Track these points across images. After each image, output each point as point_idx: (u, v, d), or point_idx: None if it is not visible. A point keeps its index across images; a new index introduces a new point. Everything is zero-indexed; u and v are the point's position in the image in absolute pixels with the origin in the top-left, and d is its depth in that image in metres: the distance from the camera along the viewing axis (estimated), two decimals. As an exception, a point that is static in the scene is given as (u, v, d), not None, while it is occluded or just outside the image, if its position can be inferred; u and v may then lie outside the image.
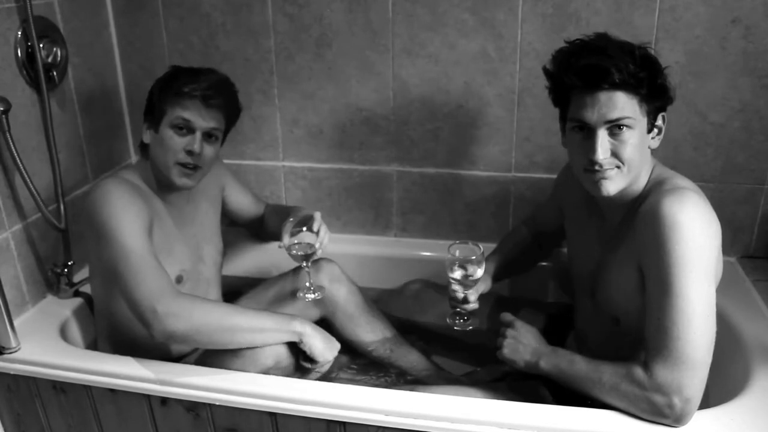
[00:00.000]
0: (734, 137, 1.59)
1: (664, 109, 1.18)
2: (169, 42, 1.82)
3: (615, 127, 1.12)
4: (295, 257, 1.39)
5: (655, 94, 1.13)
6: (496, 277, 1.54)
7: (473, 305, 1.38)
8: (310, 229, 1.39)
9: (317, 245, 1.38)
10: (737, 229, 1.66)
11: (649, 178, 1.19)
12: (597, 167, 1.13)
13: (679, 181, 1.15)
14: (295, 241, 1.38)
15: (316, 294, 1.46)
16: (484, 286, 1.45)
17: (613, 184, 1.15)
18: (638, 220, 1.14)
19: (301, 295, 1.46)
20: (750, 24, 1.49)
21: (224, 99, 1.36)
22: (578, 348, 1.41)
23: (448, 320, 1.42)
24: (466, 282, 1.35)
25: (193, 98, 1.31)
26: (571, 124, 1.17)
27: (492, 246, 1.81)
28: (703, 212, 1.09)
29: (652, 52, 1.14)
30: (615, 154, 1.13)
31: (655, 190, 1.15)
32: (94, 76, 1.76)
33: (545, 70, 1.20)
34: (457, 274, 1.34)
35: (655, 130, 1.17)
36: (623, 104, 1.10)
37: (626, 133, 1.12)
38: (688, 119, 1.59)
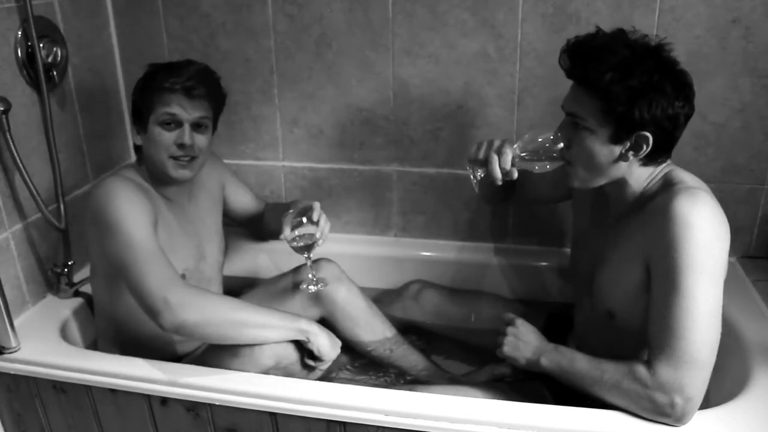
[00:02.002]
0: (734, 137, 1.59)
1: (641, 129, 1.09)
2: (169, 42, 1.82)
3: (573, 120, 1.15)
4: (296, 249, 1.39)
5: (613, 105, 1.08)
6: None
7: (499, 181, 1.22)
8: (310, 220, 1.39)
9: (318, 234, 1.38)
10: (737, 229, 1.64)
11: (655, 176, 1.19)
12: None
13: (692, 182, 1.15)
14: (296, 233, 1.38)
15: (319, 285, 1.46)
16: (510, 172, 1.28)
17: (573, 181, 1.20)
18: (647, 218, 1.14)
19: (304, 287, 1.46)
20: (750, 24, 1.49)
21: (207, 87, 1.35)
22: (578, 346, 1.41)
23: (475, 179, 1.27)
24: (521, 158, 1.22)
25: (174, 92, 1.31)
26: None
27: (498, 247, 1.82)
28: (714, 213, 1.09)
29: (667, 87, 1.07)
30: (569, 147, 1.16)
31: (666, 188, 1.14)
32: (94, 76, 1.76)
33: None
34: (524, 141, 1.21)
35: (628, 144, 1.12)
36: (583, 102, 1.12)
37: (581, 132, 1.14)
38: (688, 119, 1.59)
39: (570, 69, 1.15)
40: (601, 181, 1.19)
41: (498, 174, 1.20)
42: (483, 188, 1.28)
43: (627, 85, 1.07)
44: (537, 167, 1.21)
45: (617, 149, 1.13)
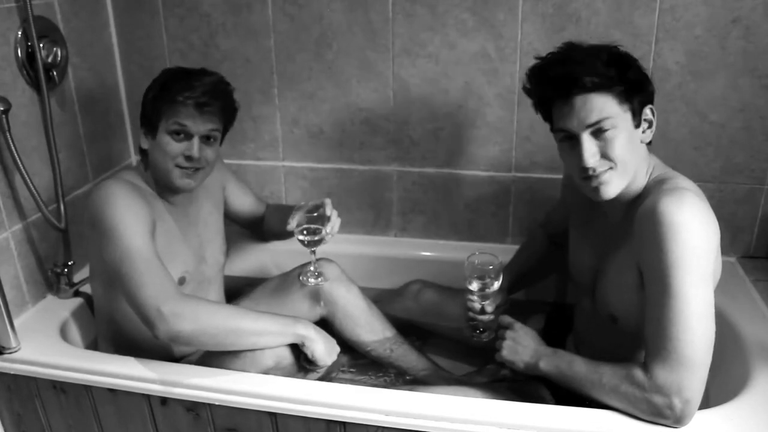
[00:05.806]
0: (734, 137, 1.59)
1: (649, 102, 1.17)
2: (169, 42, 1.82)
3: (597, 131, 1.12)
4: (302, 242, 1.38)
5: (631, 89, 1.13)
6: (515, 287, 1.55)
7: (489, 317, 1.37)
8: (321, 216, 1.38)
9: (328, 229, 1.37)
10: (737, 229, 1.66)
11: (649, 177, 1.19)
12: (591, 172, 1.14)
13: (679, 182, 1.14)
14: (304, 226, 1.38)
15: (319, 279, 1.46)
16: (500, 299, 1.41)
17: (611, 187, 1.15)
18: (636, 220, 1.14)
19: (303, 278, 1.47)
20: (750, 24, 1.49)
21: (220, 103, 1.36)
22: (577, 348, 1.41)
23: (465, 332, 1.41)
24: (484, 293, 1.34)
25: (187, 106, 1.31)
26: (558, 135, 1.19)
27: (498, 247, 1.81)
28: (700, 213, 1.08)
29: (623, 49, 1.15)
30: (605, 156, 1.13)
31: (654, 189, 1.15)
32: (94, 76, 1.76)
33: (525, 90, 1.22)
34: (475, 285, 1.33)
35: (645, 124, 1.17)
36: (600, 105, 1.11)
37: (610, 133, 1.12)
38: (688, 119, 1.59)
39: (570, 86, 1.12)
40: (630, 178, 1.17)
41: (488, 308, 1.37)
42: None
43: (635, 68, 1.14)
44: (487, 274, 1.34)
45: (639, 133, 1.16)
